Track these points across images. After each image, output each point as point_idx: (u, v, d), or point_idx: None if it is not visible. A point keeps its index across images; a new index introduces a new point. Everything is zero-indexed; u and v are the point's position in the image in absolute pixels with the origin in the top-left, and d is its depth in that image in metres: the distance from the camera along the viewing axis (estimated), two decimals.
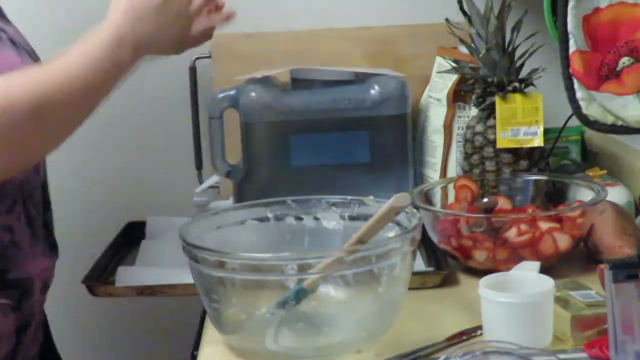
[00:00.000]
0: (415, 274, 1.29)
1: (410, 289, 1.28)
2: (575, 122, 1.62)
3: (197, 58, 1.98)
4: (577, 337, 1.22)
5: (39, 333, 1.43)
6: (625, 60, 1.49)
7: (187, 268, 1.43)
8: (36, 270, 1.36)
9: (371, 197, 1.40)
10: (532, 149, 1.63)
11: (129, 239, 1.76)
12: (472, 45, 1.65)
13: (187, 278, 1.32)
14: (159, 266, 1.57)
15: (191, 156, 1.94)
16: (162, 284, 1.50)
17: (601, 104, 1.50)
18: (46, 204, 1.40)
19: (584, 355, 1.20)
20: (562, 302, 1.25)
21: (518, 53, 1.64)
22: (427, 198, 1.60)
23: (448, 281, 1.49)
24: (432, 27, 1.93)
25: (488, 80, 1.64)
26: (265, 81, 1.78)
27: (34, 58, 1.39)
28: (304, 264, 1.19)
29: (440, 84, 1.82)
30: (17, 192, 1.31)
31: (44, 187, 1.40)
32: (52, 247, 1.42)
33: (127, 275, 1.53)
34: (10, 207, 1.30)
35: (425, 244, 1.56)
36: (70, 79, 1.23)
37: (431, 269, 1.52)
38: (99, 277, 1.54)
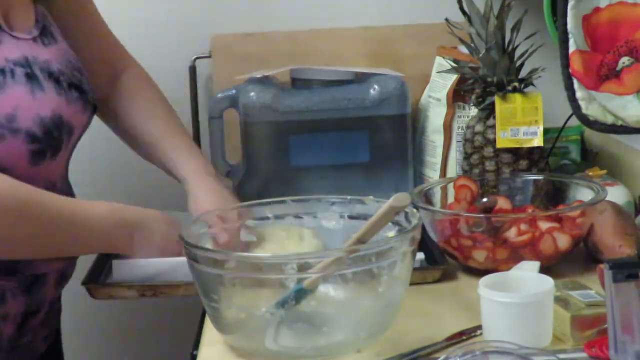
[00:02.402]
0: (415, 269, 1.29)
1: (410, 284, 1.28)
2: (575, 122, 1.62)
3: (197, 58, 1.98)
4: (577, 337, 1.22)
5: (53, 319, 1.50)
6: (625, 60, 1.49)
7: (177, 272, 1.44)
8: (50, 268, 1.42)
9: (371, 197, 1.40)
10: (532, 149, 1.63)
11: None
12: (472, 45, 1.65)
13: (186, 270, 1.32)
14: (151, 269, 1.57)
15: None
16: (164, 283, 1.49)
17: (601, 104, 1.50)
18: None
19: (584, 355, 1.20)
20: (562, 302, 1.25)
21: (518, 53, 1.64)
22: (427, 198, 1.60)
23: (447, 278, 1.49)
24: (432, 27, 1.93)
25: (488, 80, 1.64)
26: (265, 81, 1.78)
27: (70, 81, 1.42)
28: (304, 264, 1.19)
29: (440, 84, 1.82)
30: None
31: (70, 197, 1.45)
32: None
33: (124, 269, 1.52)
34: None
35: (421, 244, 1.56)
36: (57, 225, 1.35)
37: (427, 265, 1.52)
38: (98, 279, 1.53)
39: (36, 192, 1.32)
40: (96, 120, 1.56)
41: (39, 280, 1.41)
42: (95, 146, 1.82)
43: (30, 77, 1.34)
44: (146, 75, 1.67)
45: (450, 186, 1.64)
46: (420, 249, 1.53)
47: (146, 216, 1.44)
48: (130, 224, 1.42)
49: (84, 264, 1.58)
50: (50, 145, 1.35)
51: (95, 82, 1.53)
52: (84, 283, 1.51)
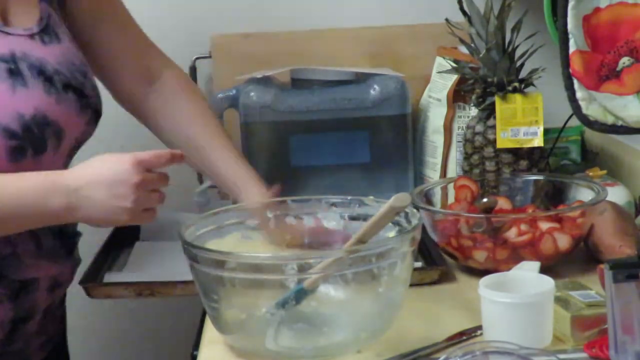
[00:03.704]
0: (413, 270, 1.29)
1: (409, 285, 1.28)
2: (575, 122, 1.62)
3: (197, 58, 1.98)
4: (577, 337, 1.22)
5: (51, 327, 1.46)
6: (625, 60, 1.49)
7: (177, 273, 1.43)
8: (41, 274, 1.39)
9: (371, 197, 1.40)
10: (532, 149, 1.63)
11: (124, 239, 1.76)
12: (472, 45, 1.65)
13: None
14: (150, 270, 1.57)
15: None
16: (161, 281, 1.49)
17: (601, 104, 1.50)
18: None
19: (584, 355, 1.20)
20: (562, 302, 1.25)
21: (518, 53, 1.64)
22: (427, 198, 1.60)
23: (446, 278, 1.49)
24: (432, 27, 1.93)
25: (488, 80, 1.64)
26: (265, 81, 1.78)
27: (67, 82, 1.39)
28: (304, 264, 1.19)
29: (440, 84, 1.82)
30: None
31: None
32: (68, 253, 1.45)
33: (117, 279, 1.53)
34: None
35: (420, 245, 1.56)
36: None
37: (424, 266, 1.52)
38: (95, 279, 1.53)
39: None
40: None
41: (27, 286, 1.38)
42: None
43: (13, 73, 1.33)
44: (186, 77, 1.63)
45: (450, 186, 1.64)
46: (419, 250, 1.53)
47: (87, 182, 1.30)
48: (63, 189, 1.29)
49: (85, 266, 1.58)
50: (30, 142, 1.32)
51: (128, 78, 1.54)
52: (82, 282, 1.51)
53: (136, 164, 1.30)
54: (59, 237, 1.42)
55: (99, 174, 1.30)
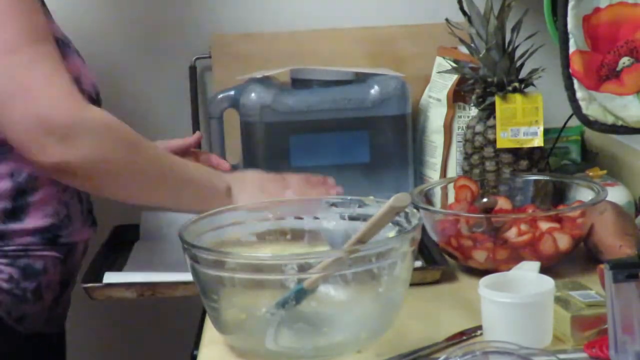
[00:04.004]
0: (415, 269, 1.29)
1: (410, 284, 1.28)
2: (575, 122, 1.62)
3: (197, 58, 1.98)
4: (577, 337, 1.22)
5: (70, 300, 1.58)
6: (625, 60, 1.49)
7: (177, 272, 1.43)
8: (81, 238, 1.51)
9: (371, 197, 1.40)
10: (532, 149, 1.63)
11: (124, 239, 1.75)
12: (472, 45, 1.65)
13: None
14: (150, 270, 1.57)
15: None
16: (163, 282, 1.49)
17: (601, 104, 1.50)
18: None
19: (584, 355, 1.20)
20: (562, 302, 1.25)
21: (518, 53, 1.64)
22: (427, 198, 1.60)
23: (446, 278, 1.49)
24: (432, 27, 1.93)
25: (488, 80, 1.64)
26: (265, 81, 1.78)
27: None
28: (304, 264, 1.19)
29: (440, 84, 1.82)
30: None
31: None
32: (93, 221, 1.59)
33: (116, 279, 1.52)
34: (66, 186, 1.45)
35: (420, 245, 1.56)
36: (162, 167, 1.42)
37: (426, 265, 1.52)
38: (95, 280, 1.53)
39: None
40: None
41: (71, 250, 1.48)
42: None
43: (77, 51, 1.49)
44: None
45: (450, 186, 1.64)
46: (419, 250, 1.53)
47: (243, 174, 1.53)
48: (223, 177, 1.49)
49: (84, 267, 1.58)
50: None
51: None
52: (83, 283, 1.51)
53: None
54: (87, 203, 1.54)
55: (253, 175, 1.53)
